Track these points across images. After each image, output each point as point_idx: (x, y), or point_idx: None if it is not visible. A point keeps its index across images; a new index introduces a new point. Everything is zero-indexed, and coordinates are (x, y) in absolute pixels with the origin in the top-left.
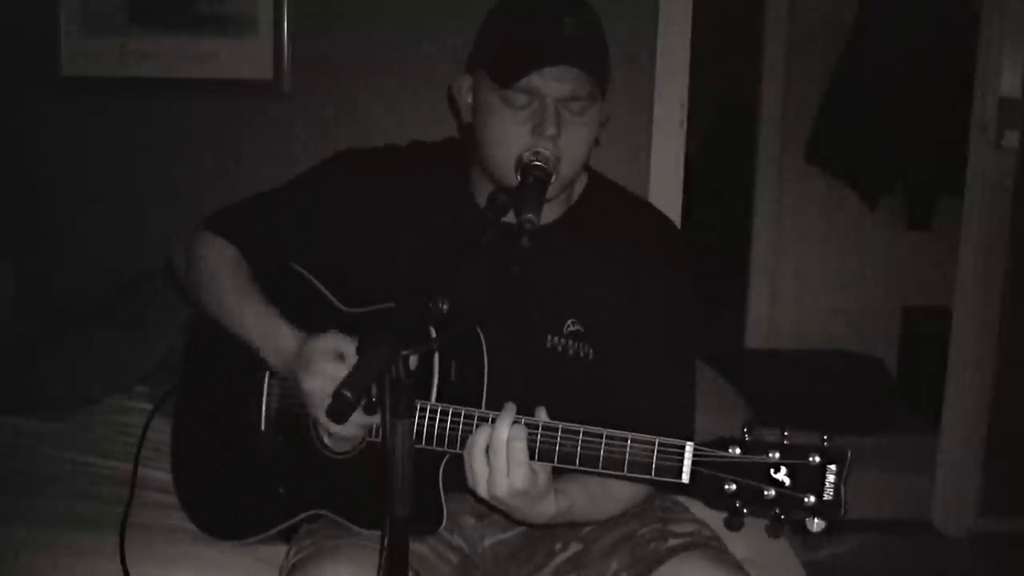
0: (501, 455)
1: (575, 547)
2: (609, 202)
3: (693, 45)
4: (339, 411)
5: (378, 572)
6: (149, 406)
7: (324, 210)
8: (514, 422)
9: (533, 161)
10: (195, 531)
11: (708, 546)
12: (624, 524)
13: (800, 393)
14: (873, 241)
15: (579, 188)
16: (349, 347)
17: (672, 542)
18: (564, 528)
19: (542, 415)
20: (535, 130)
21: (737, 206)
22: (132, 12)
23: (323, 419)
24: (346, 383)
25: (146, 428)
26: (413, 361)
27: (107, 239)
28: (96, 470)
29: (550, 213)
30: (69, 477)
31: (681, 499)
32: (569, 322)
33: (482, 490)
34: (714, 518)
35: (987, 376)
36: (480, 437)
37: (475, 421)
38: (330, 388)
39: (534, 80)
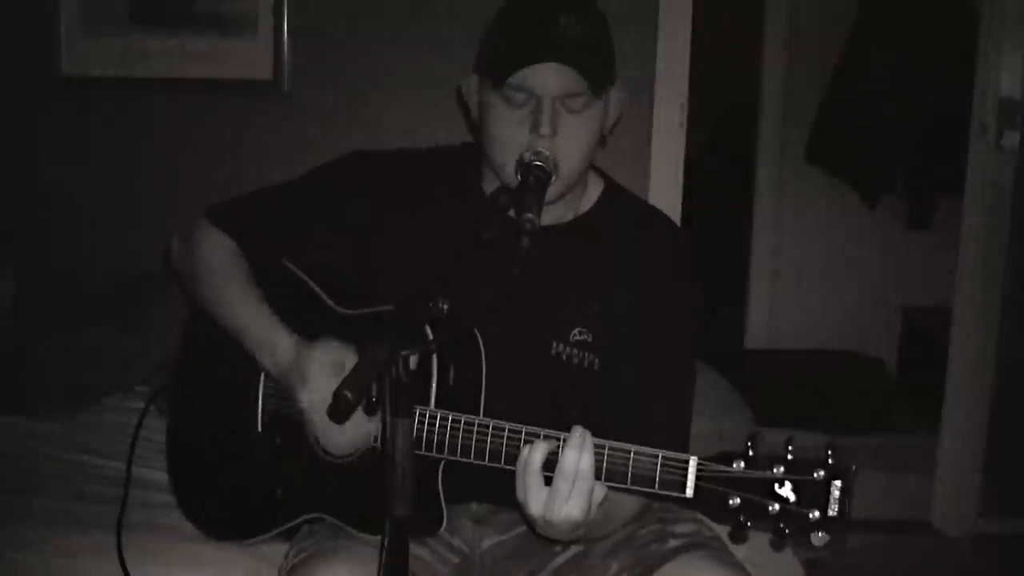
0: (568, 480)
1: (575, 548)
2: (621, 210)
3: (693, 45)
4: (340, 412)
5: (378, 573)
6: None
7: (330, 209)
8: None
9: (534, 161)
10: (195, 530)
11: (708, 546)
12: (624, 527)
13: (800, 393)
14: (873, 241)
15: (594, 194)
16: (347, 357)
17: (672, 543)
18: None
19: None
20: (532, 129)
21: (737, 206)
22: (132, 12)
23: (322, 438)
24: (346, 383)
25: (139, 427)
26: (413, 361)
27: (107, 239)
28: (96, 470)
29: (560, 217)
30: (69, 477)
31: None
32: (576, 331)
33: (535, 510)
34: None
35: (987, 376)
36: (537, 454)
37: (522, 436)
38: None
39: (528, 78)
